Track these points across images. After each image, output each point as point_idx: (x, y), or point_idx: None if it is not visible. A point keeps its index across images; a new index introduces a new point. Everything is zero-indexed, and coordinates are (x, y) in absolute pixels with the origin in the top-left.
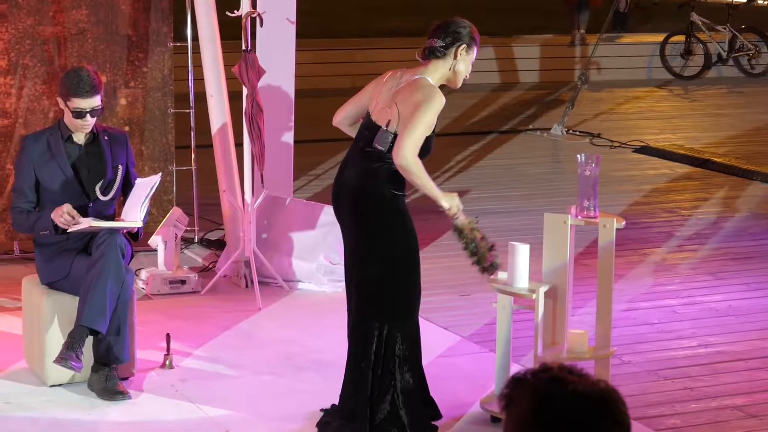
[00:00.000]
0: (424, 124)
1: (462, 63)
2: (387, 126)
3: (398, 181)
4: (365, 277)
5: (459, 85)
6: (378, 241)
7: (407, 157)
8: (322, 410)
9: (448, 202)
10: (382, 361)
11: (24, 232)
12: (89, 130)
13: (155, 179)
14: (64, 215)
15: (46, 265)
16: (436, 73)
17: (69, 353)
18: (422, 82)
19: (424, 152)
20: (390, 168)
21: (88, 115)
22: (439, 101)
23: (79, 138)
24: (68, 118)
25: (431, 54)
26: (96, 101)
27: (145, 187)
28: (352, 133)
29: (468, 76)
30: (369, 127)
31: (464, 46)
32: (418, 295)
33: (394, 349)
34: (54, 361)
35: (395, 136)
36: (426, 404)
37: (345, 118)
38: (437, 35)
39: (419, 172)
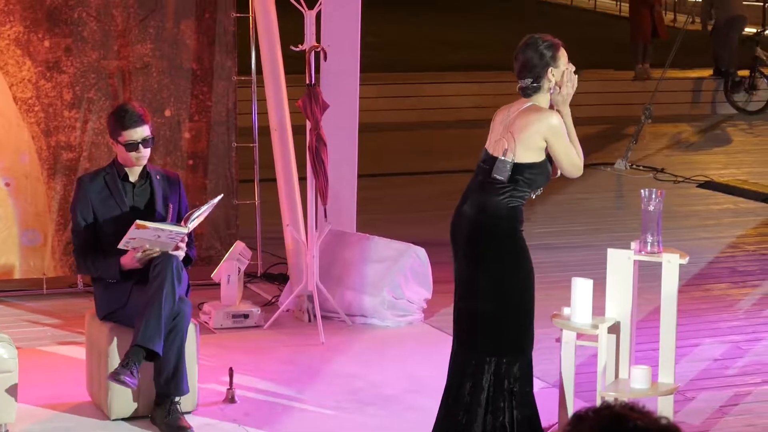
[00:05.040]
0: (565, 150)
1: (557, 76)
2: (504, 155)
3: (516, 215)
4: (478, 310)
5: (571, 86)
6: (493, 274)
7: (578, 174)
8: None
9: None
10: (493, 398)
11: (89, 275)
12: (144, 162)
13: (213, 202)
14: (140, 258)
15: (104, 293)
16: (543, 100)
17: (123, 370)
18: (533, 108)
19: (544, 180)
20: (509, 201)
21: (140, 145)
22: (553, 121)
23: (134, 176)
24: (122, 156)
25: (526, 94)
26: (146, 131)
27: (204, 206)
28: None
29: (571, 69)
30: (486, 160)
31: (550, 67)
32: (532, 331)
33: (504, 385)
34: (108, 377)
35: (513, 164)
36: None
37: None
38: (523, 76)
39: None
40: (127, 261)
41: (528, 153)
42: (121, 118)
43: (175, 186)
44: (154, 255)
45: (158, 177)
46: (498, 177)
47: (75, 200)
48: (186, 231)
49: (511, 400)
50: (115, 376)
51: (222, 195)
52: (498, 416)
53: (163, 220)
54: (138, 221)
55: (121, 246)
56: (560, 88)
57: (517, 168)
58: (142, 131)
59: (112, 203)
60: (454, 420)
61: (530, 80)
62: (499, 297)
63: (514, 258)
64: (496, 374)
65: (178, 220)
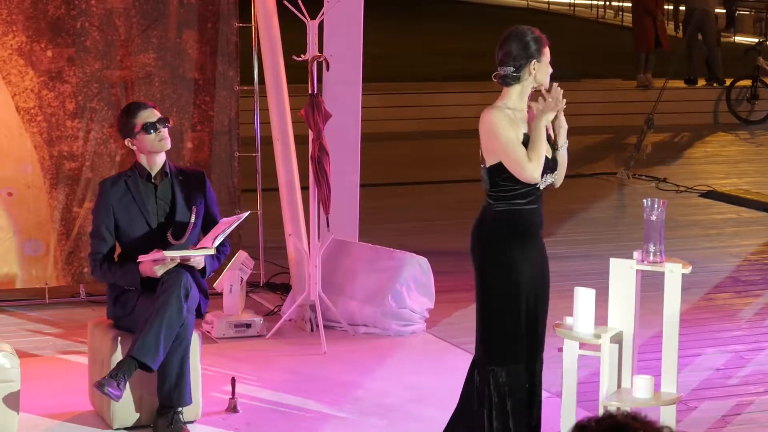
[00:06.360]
0: (504, 146)
1: (540, 73)
2: (483, 164)
3: (508, 218)
4: (477, 314)
5: (547, 84)
6: (481, 281)
7: (530, 178)
8: None
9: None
10: (488, 402)
11: (105, 281)
12: (168, 145)
13: (242, 216)
14: (159, 268)
15: (114, 300)
16: (519, 95)
17: (110, 380)
18: (485, 110)
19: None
20: (495, 208)
21: (158, 125)
22: (486, 117)
23: (155, 174)
24: (145, 146)
25: (505, 83)
26: (158, 113)
27: (227, 222)
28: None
29: (550, 69)
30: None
31: (534, 60)
32: (522, 342)
33: (499, 392)
34: (93, 385)
35: (487, 170)
36: None
37: None
38: (505, 62)
39: (540, 164)
40: (146, 269)
41: (490, 155)
42: (133, 108)
43: (199, 185)
44: (174, 265)
45: (180, 178)
46: (483, 187)
47: (96, 205)
48: (212, 252)
49: (504, 407)
50: (100, 386)
51: (249, 212)
52: (492, 421)
53: (183, 227)
54: (165, 252)
55: (141, 259)
56: (545, 100)
57: (493, 171)
58: (154, 112)
59: (135, 209)
60: (461, 421)
61: (511, 69)
62: (484, 303)
63: (497, 264)
64: (493, 379)
65: (208, 223)
